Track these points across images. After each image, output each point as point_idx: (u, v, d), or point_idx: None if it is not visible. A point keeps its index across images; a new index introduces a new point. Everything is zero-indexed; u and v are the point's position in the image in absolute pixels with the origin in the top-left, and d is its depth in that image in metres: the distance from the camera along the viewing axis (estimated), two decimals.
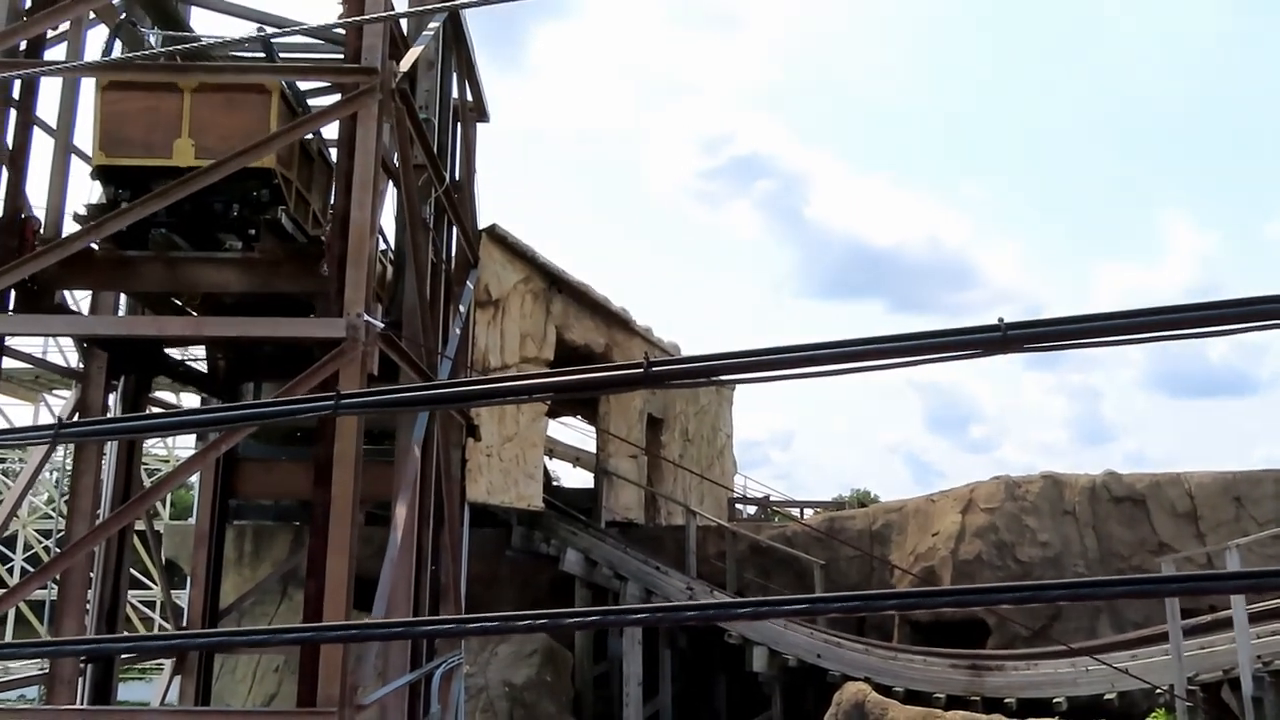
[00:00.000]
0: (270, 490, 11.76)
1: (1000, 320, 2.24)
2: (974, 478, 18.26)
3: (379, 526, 8.38)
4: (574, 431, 24.18)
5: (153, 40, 7.60)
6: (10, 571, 35.24)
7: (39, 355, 11.22)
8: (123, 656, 8.62)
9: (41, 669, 7.95)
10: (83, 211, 6.70)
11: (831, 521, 19.12)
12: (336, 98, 6.87)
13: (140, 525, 10.87)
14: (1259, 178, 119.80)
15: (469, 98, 10.85)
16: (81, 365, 8.05)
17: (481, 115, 11.48)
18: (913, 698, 13.42)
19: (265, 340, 8.46)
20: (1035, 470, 17.35)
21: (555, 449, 21.89)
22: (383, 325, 6.53)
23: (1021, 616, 14.84)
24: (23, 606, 26.34)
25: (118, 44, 7.53)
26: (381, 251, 8.11)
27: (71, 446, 8.22)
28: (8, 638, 27.69)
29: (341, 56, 7.10)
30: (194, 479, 11.05)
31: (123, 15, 7.44)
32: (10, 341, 6.76)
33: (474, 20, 10.59)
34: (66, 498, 7.89)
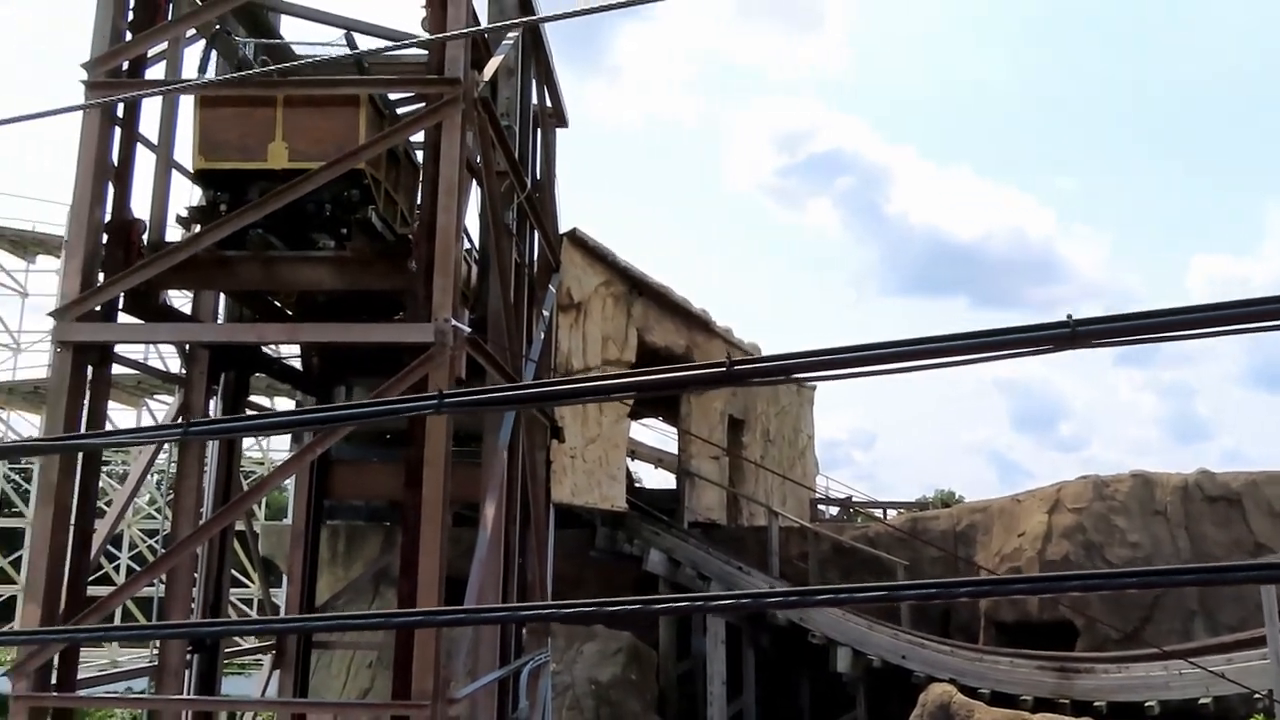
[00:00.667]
0: (362, 491, 12.12)
1: (1069, 316, 2.24)
2: (1061, 477, 17.81)
3: (465, 527, 8.58)
4: (655, 433, 24.31)
5: (247, 51, 7.93)
6: (117, 569, 36.94)
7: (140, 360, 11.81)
8: (225, 650, 9.00)
9: (150, 661, 8.34)
10: (184, 214, 7.06)
11: (915, 522, 18.83)
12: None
13: (239, 525, 11.33)
14: None
15: (548, 104, 11.03)
16: (184, 370, 8.44)
17: (561, 120, 11.66)
18: (999, 700, 13.15)
19: (358, 346, 8.74)
20: (1125, 469, 16.83)
21: (637, 450, 22.02)
22: (469, 330, 6.70)
23: (1111, 618, 14.42)
24: (130, 604, 27.56)
25: (213, 54, 7.90)
26: (466, 251, 8.31)
27: (172, 450, 8.62)
28: None
29: (426, 53, 7.32)
30: (289, 480, 11.47)
31: (217, 26, 7.78)
32: (117, 348, 7.13)
33: (554, 24, 10.77)
34: (169, 498, 8.27)
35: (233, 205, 6.76)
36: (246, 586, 31.79)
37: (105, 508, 13.17)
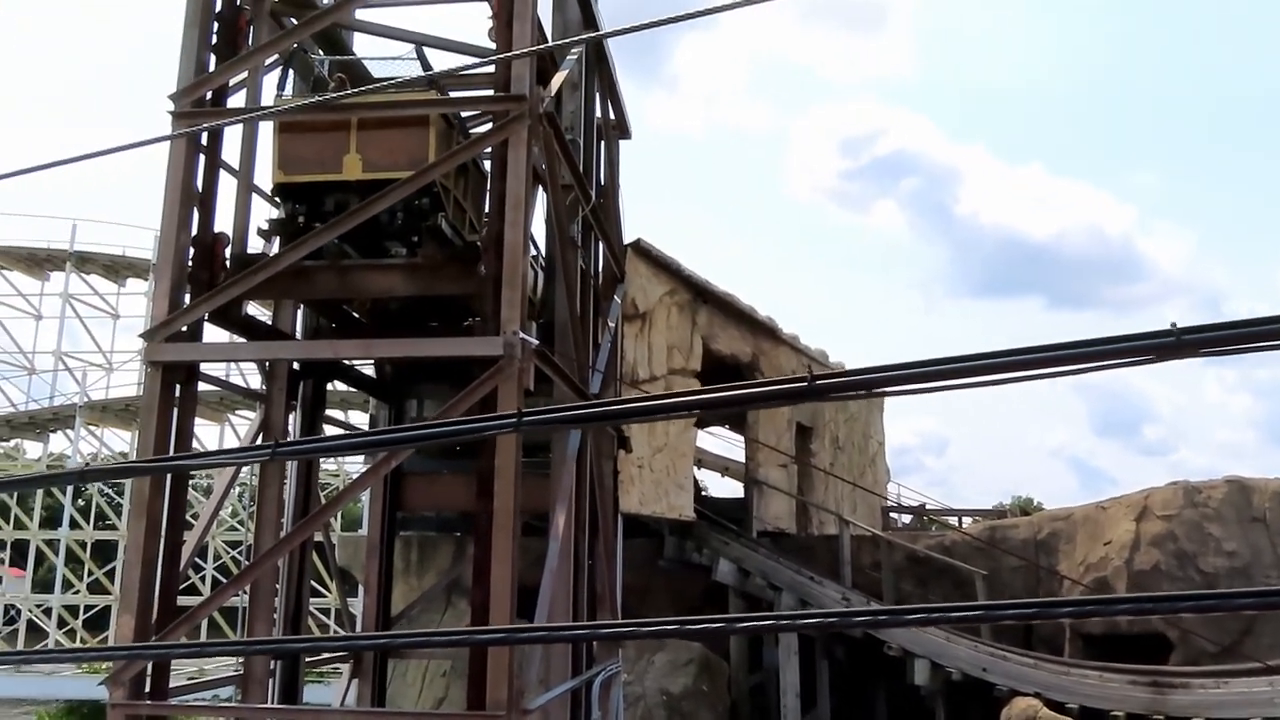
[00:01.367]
0: (434, 502, 12.28)
1: (1173, 325, 2.13)
2: (1148, 483, 17.20)
3: (534, 538, 8.65)
4: (721, 442, 24.18)
5: (323, 69, 8.17)
6: (203, 580, 38.05)
7: (222, 378, 12.20)
8: (306, 659, 9.20)
9: (236, 670, 8.58)
10: (264, 226, 7.28)
11: (993, 530, 18.36)
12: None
13: (317, 537, 11.58)
14: None
15: (611, 116, 11.10)
16: (264, 387, 8.68)
17: (624, 132, 11.72)
18: (1088, 715, 12.74)
19: (429, 359, 8.89)
20: (1217, 474, 16.19)
21: (704, 459, 21.92)
22: (536, 342, 6.76)
23: (1208, 631, 13.85)
24: (216, 614, 28.37)
25: (290, 73, 8.15)
26: (532, 258, 8.41)
27: (253, 465, 8.90)
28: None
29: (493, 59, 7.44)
30: (363, 493, 11.69)
31: (295, 46, 8.03)
32: (203, 366, 7.36)
33: (616, 36, 10.84)
34: (251, 511, 8.52)
35: (309, 216, 6.98)
36: (324, 596, 32.45)
37: (192, 520, 13.60)
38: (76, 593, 36.08)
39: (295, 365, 8.72)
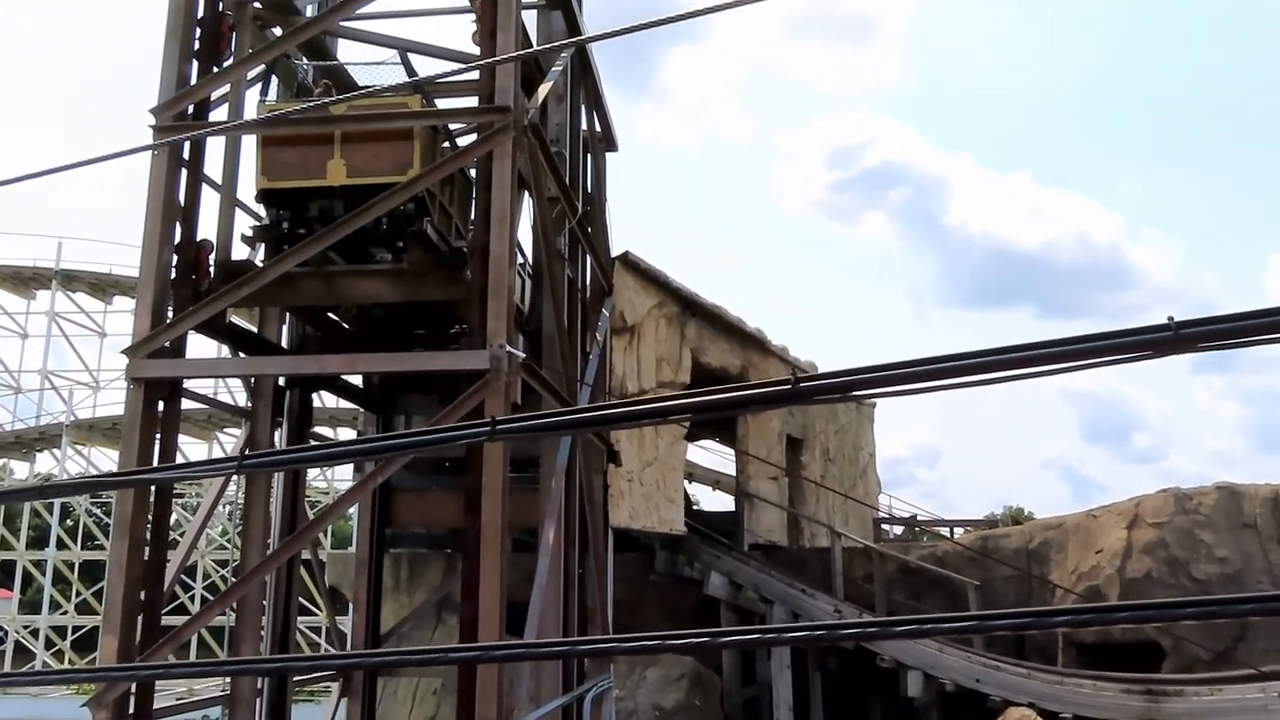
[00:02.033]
0: (423, 519, 12.21)
1: (1170, 319, 2.07)
2: (1139, 490, 17.22)
3: (524, 553, 8.57)
4: (712, 455, 24.11)
5: (307, 77, 8.13)
6: (192, 599, 37.72)
7: (210, 395, 12.10)
8: (295, 679, 9.10)
9: (223, 690, 8.46)
10: (249, 233, 7.22)
11: (985, 540, 18.34)
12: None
13: (305, 554, 11.48)
14: None
15: (598, 128, 11.09)
16: (249, 403, 8.61)
17: (610, 145, 11.72)
18: None
19: (416, 372, 8.83)
20: (1207, 481, 16.20)
21: (694, 472, 21.84)
22: (524, 355, 6.72)
23: (1201, 638, 13.82)
24: (204, 632, 28.08)
25: (274, 79, 8.11)
26: (520, 265, 8.38)
27: (244, 481, 8.82)
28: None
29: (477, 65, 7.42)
30: (353, 509, 11.60)
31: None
32: (188, 384, 7.29)
33: (604, 46, 10.85)
34: (240, 529, 8.43)
35: (293, 222, 6.94)
36: (314, 615, 32.19)
37: (179, 539, 13.46)
38: (64, 613, 35.73)
39: (280, 380, 8.66)
